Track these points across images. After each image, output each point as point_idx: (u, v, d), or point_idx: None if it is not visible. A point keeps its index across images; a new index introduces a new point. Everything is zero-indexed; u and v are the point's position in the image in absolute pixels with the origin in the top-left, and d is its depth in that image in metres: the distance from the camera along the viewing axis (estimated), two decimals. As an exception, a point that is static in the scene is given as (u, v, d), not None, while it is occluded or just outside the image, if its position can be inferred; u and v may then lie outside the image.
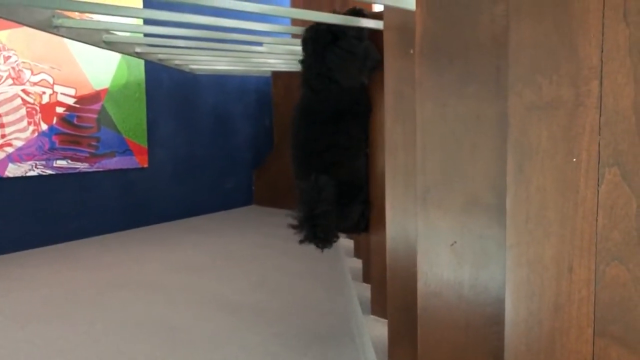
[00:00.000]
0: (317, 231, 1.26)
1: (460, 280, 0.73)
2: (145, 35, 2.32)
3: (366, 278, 1.47)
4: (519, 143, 0.51)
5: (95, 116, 2.63)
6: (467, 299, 0.73)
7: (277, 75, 3.15)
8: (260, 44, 2.01)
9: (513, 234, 0.52)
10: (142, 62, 2.78)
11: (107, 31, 1.21)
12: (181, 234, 2.73)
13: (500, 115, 0.67)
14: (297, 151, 1.29)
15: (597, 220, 0.47)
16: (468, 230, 0.71)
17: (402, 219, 0.98)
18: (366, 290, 1.40)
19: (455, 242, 0.73)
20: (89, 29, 1.09)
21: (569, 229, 0.48)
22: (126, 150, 2.77)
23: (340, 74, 1.19)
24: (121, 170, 2.75)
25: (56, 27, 0.95)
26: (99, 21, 1.10)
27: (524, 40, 0.50)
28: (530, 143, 0.50)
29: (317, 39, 1.20)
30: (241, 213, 3.31)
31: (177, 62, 1.86)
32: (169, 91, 2.97)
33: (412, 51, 0.94)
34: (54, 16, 0.94)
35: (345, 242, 1.97)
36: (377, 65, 1.17)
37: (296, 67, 2.38)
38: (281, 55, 1.92)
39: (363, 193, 1.26)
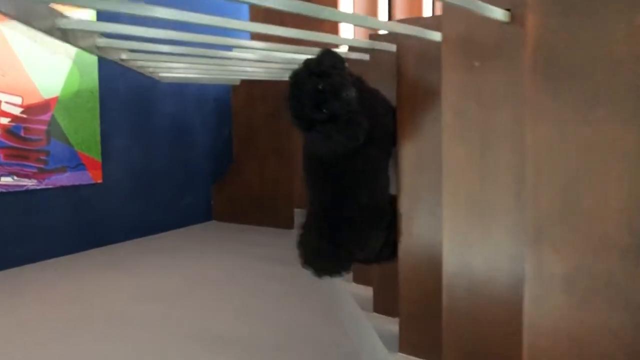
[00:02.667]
0: (327, 259, 1.14)
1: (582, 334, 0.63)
2: (104, 36, 2.10)
3: (380, 308, 1.35)
4: None
5: (44, 127, 2.39)
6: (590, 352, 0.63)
7: (237, 82, 2.98)
8: (230, 48, 1.86)
9: None
10: (95, 68, 2.56)
11: (100, 35, 1.05)
12: (142, 256, 2.52)
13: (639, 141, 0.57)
14: (311, 175, 1.16)
15: None
16: (594, 275, 0.61)
17: (464, 253, 0.88)
18: (382, 322, 1.29)
19: (576, 288, 0.63)
20: (87, 30, 0.93)
21: None
22: (78, 165, 2.53)
23: (325, 150, 1.06)
24: (73, 186, 2.52)
25: (59, 29, 0.79)
26: (101, 23, 0.93)
27: None
28: None
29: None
30: (201, 230, 3.12)
31: (151, 69, 1.69)
32: (124, 100, 2.76)
33: (477, 64, 0.84)
34: (56, 18, 0.79)
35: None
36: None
37: (267, 75, 2.25)
38: (253, 62, 1.78)
39: (386, 218, 1.14)
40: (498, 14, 0.77)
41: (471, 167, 0.86)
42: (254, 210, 3.15)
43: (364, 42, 1.14)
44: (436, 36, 0.99)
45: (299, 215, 2.88)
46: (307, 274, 2.07)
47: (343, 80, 0.99)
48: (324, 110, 0.96)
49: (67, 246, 2.49)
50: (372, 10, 2.78)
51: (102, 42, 1.04)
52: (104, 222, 2.68)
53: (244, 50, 1.59)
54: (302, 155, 1.17)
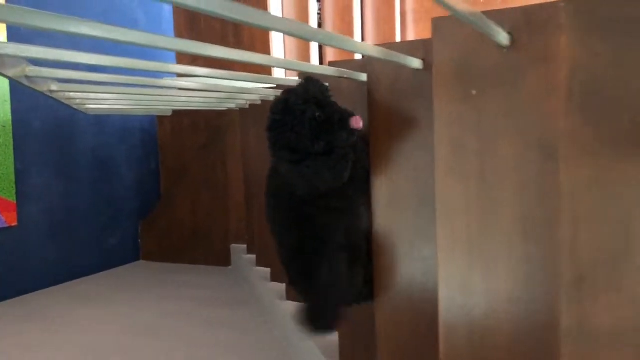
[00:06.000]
0: (321, 312, 1.03)
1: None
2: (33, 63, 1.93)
3: (348, 356, 1.25)
4: None
5: (-52, 167, 2.13)
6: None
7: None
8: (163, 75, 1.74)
9: None
10: (7, 100, 2.33)
11: (28, 64, 0.90)
12: (67, 305, 2.27)
13: (699, 179, 0.51)
14: (281, 215, 1.04)
15: None
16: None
17: (465, 301, 0.79)
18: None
19: (625, 344, 0.55)
20: (17, 56, 0.78)
21: None
22: (-11, 207, 2.28)
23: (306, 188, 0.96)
24: (-17, 231, 2.25)
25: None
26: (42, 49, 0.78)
27: None
28: None
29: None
30: (130, 272, 2.89)
31: (78, 100, 1.53)
32: (40, 134, 2.53)
33: (474, 92, 0.76)
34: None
35: (285, 305, 1.72)
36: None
37: (206, 105, 2.12)
38: (191, 91, 1.66)
39: (363, 256, 1.05)
40: (501, 36, 0.70)
41: (469, 204, 0.78)
42: (186, 247, 2.96)
43: (331, 69, 1.04)
44: (415, 63, 0.92)
45: (236, 251, 2.73)
46: (254, 319, 1.94)
47: (346, 109, 0.91)
48: (321, 142, 0.86)
49: (-22, 299, 2.22)
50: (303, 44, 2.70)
51: (33, 71, 0.89)
52: (22, 269, 2.42)
53: (183, 79, 1.48)
54: (268, 194, 1.06)
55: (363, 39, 2.56)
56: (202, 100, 1.92)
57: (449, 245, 0.80)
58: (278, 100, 0.89)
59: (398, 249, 1.01)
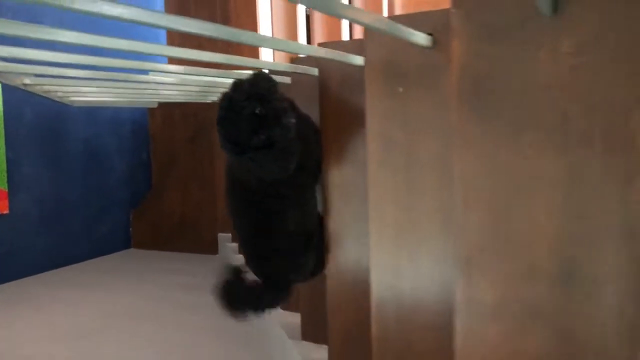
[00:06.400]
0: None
1: (517, 363, 0.61)
2: (4, 59, 1.99)
3: (309, 336, 1.32)
4: None
5: (-59, 156, 2.20)
6: (526, 386, 0.61)
7: (154, 104, 2.87)
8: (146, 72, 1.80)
9: None
10: (-2, 92, 2.40)
11: (-2, 60, 0.96)
12: (56, 289, 2.35)
13: (567, 169, 0.57)
14: (234, 201, 1.11)
15: None
16: (524, 304, 0.60)
17: (394, 282, 0.85)
18: (311, 350, 1.26)
19: (506, 317, 0.61)
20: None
21: None
22: (-19, 195, 2.35)
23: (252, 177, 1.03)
24: (-25, 219, 2.33)
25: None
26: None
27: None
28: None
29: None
30: (120, 259, 2.97)
31: (60, 94, 1.60)
32: (32, 125, 2.60)
33: (400, 89, 0.83)
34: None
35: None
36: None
37: (185, 98, 2.18)
38: (170, 85, 1.71)
39: (314, 239, 1.11)
40: (420, 38, 0.76)
41: (397, 193, 0.84)
42: (175, 236, 3.04)
43: (285, 65, 1.11)
44: (358, 60, 0.97)
45: (223, 240, 2.80)
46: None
47: (284, 105, 0.96)
48: (261, 136, 0.92)
49: (-30, 284, 2.30)
50: (292, 33, 2.75)
51: (1, 66, 0.95)
52: (12, 255, 2.50)
53: (160, 73, 1.53)
54: (226, 181, 1.12)
55: (351, 34, 2.62)
56: (183, 93, 1.98)
57: (379, 232, 0.87)
58: (225, 95, 0.95)
59: (346, 235, 1.08)
